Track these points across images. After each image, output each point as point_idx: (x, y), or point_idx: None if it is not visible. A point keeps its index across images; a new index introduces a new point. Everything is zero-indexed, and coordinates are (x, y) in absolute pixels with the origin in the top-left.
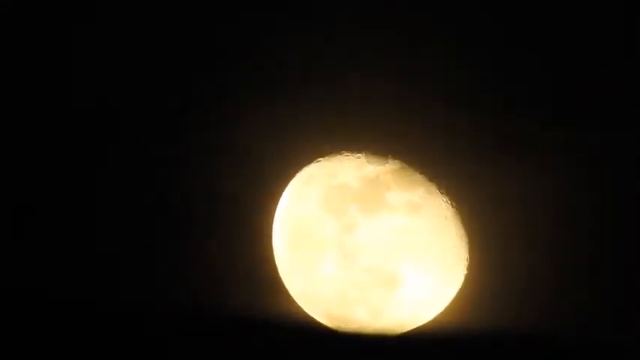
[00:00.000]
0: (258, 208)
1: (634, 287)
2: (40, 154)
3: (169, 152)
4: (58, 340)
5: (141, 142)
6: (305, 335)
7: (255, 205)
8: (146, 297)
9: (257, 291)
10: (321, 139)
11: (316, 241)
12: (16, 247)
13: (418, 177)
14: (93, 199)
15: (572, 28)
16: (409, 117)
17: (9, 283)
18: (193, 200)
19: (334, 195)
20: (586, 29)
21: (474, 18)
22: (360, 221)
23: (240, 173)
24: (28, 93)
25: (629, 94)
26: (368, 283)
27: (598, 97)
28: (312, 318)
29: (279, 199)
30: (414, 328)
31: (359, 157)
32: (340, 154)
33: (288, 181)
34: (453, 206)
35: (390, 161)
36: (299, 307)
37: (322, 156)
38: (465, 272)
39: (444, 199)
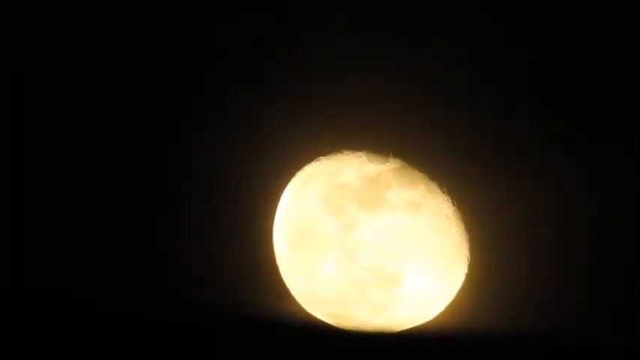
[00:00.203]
0: (259, 208)
1: (634, 287)
2: (40, 154)
3: (169, 152)
4: (57, 339)
5: (141, 142)
6: (306, 334)
7: (255, 205)
8: (147, 297)
9: (258, 290)
10: (322, 137)
11: (317, 240)
12: (16, 248)
13: (419, 176)
14: (93, 200)
15: (572, 28)
16: (410, 116)
17: (16, 283)
18: (194, 200)
19: (335, 194)
20: (586, 29)
21: (473, 18)
22: (360, 220)
23: (241, 172)
24: (28, 93)
25: (629, 93)
26: (368, 282)
27: (598, 96)
28: (313, 317)
29: (279, 198)
30: (415, 327)
31: (360, 156)
32: (341, 153)
33: (289, 180)
34: (453, 205)
35: (391, 160)
36: (300, 307)
37: (323, 155)
38: (466, 271)
39: (445, 198)
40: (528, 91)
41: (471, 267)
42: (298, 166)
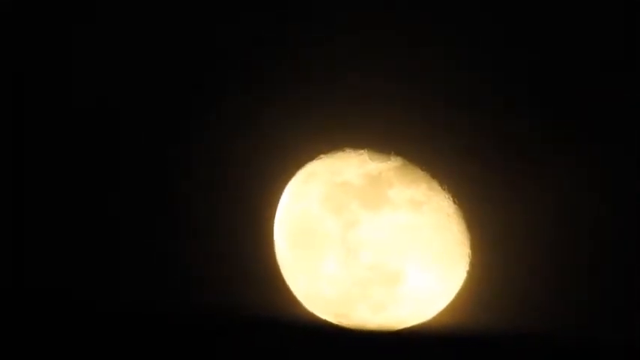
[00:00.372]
0: (259, 206)
1: (634, 287)
2: (39, 154)
3: (169, 152)
4: (57, 339)
5: (141, 142)
6: (308, 333)
7: (256, 203)
8: (147, 298)
9: (259, 289)
10: (323, 135)
11: (318, 239)
12: (16, 248)
13: (420, 174)
14: (93, 200)
15: (572, 28)
16: (412, 114)
17: (16, 283)
18: (194, 200)
19: (336, 192)
20: (586, 29)
21: (473, 18)
22: (362, 218)
23: (241, 171)
24: (28, 93)
25: (629, 93)
26: (370, 281)
27: (598, 96)
28: (314, 315)
29: (280, 196)
30: (416, 325)
31: (361, 154)
32: (342, 151)
33: (290, 179)
34: (455, 203)
35: (393, 158)
36: (301, 305)
37: (324, 153)
38: (467, 269)
39: (447, 196)
40: (528, 91)
41: (472, 265)
42: (299, 165)
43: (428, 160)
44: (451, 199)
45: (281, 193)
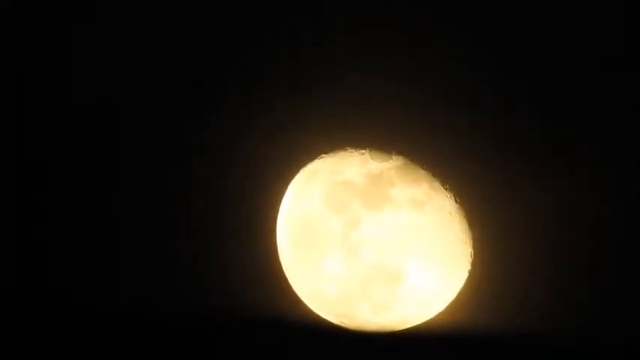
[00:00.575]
0: (261, 206)
1: (634, 287)
2: (39, 154)
3: (170, 152)
4: (57, 340)
5: (141, 142)
6: (310, 332)
7: (258, 203)
8: (149, 298)
9: (261, 289)
10: (324, 135)
11: (320, 238)
12: (16, 248)
13: (422, 173)
14: (94, 200)
15: (572, 28)
16: (413, 113)
17: (16, 284)
18: (195, 200)
19: (338, 191)
20: (586, 29)
21: (474, 18)
22: (363, 217)
23: (243, 171)
24: (28, 93)
25: (629, 93)
26: (372, 280)
27: (598, 96)
28: (316, 315)
29: (282, 195)
30: (418, 325)
31: (363, 154)
32: (344, 151)
33: (292, 178)
34: (456, 202)
35: (394, 157)
36: (303, 305)
37: (325, 152)
38: (469, 269)
39: (448, 195)
40: (528, 91)
41: (474, 264)
42: (301, 164)
43: (429, 159)
44: (453, 198)
45: (283, 193)
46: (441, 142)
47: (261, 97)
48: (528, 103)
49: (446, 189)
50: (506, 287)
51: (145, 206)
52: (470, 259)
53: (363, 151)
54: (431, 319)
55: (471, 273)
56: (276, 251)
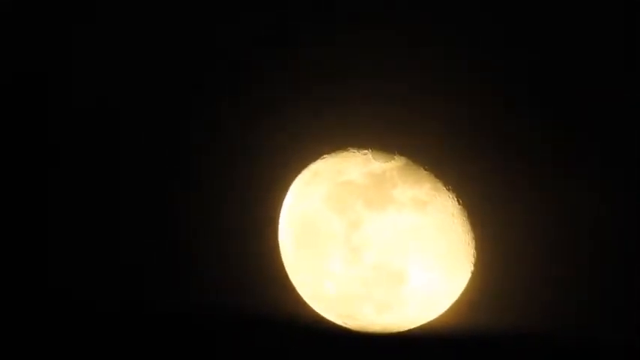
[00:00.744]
0: (264, 206)
1: (634, 287)
2: (39, 154)
3: (172, 152)
4: (57, 340)
5: (142, 142)
6: (312, 332)
7: (260, 203)
8: (153, 297)
9: (264, 289)
10: (327, 135)
11: (322, 239)
12: (16, 248)
13: (424, 173)
14: (101, 197)
15: (571, 27)
16: (415, 114)
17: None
18: (199, 200)
19: (340, 192)
20: (586, 29)
21: (473, 18)
22: (366, 218)
23: (246, 171)
24: (29, 93)
25: (629, 93)
26: (374, 280)
27: (598, 97)
28: (319, 315)
29: (284, 196)
30: (421, 325)
31: (365, 154)
32: (346, 151)
33: (294, 178)
34: (459, 203)
35: (397, 158)
36: (306, 304)
37: (328, 153)
38: (472, 269)
39: (451, 196)
40: (528, 91)
41: (477, 265)
42: (303, 165)
43: (432, 159)
44: (455, 199)
45: (285, 193)
46: (442, 142)
47: (263, 98)
48: (528, 103)
49: (448, 190)
50: (508, 287)
51: (148, 206)
52: (472, 260)
53: (366, 151)
54: (434, 320)
55: (474, 274)
56: (279, 251)
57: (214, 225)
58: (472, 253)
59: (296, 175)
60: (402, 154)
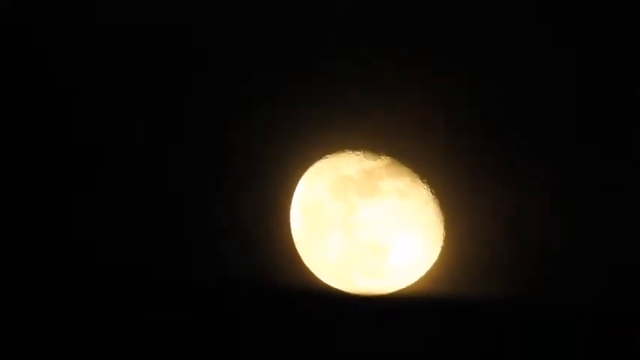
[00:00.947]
0: (278, 196)
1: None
2: (41, 153)
3: (202, 152)
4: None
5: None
6: (317, 295)
7: (275, 193)
8: (188, 272)
9: (278, 262)
10: (329, 140)
11: (325, 220)
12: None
13: (405, 169)
14: (131, 173)
15: (572, 27)
16: (399, 122)
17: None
18: (227, 190)
19: (339, 184)
20: (586, 29)
21: (474, 18)
22: (359, 204)
23: (265, 167)
24: (29, 93)
25: (629, 93)
26: (365, 253)
27: (598, 96)
28: (321, 281)
29: (295, 187)
30: (401, 289)
31: (358, 154)
32: (344, 152)
33: (303, 173)
34: (432, 193)
35: (383, 157)
36: (312, 273)
37: (330, 153)
38: (442, 245)
39: (425, 187)
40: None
41: (445, 241)
42: (310, 162)
43: (411, 158)
44: (429, 189)
45: (295, 185)
46: (420, 144)
47: (284, 109)
48: (506, 116)
49: (424, 182)
50: (470, 260)
51: (188, 198)
52: (442, 238)
53: (359, 152)
54: (411, 285)
55: (443, 248)
56: (290, 231)
57: (240, 210)
58: (442, 232)
59: (305, 170)
60: (387, 154)
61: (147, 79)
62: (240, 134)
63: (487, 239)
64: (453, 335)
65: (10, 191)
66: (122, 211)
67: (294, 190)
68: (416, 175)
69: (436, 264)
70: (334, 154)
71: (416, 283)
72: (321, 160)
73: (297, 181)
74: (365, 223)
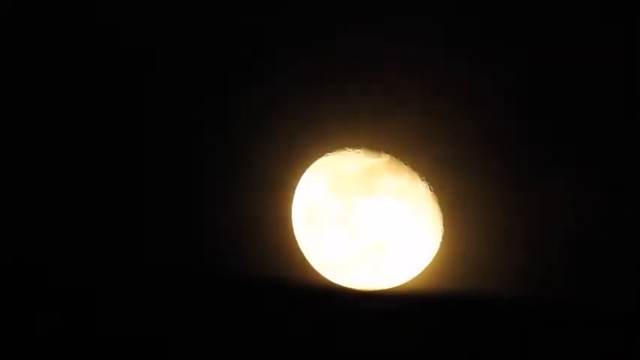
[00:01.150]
0: (281, 192)
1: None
2: (43, 152)
3: (199, 150)
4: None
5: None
6: (318, 291)
7: (278, 189)
8: (202, 264)
9: (280, 258)
10: (330, 138)
11: (326, 218)
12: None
13: (404, 167)
14: (135, 172)
15: (571, 27)
16: (398, 121)
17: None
18: (233, 188)
19: (340, 181)
20: (586, 29)
21: (474, 18)
22: (359, 201)
23: (269, 165)
24: (29, 93)
25: (629, 93)
26: (366, 249)
27: (598, 96)
28: (323, 277)
29: (297, 184)
30: (400, 285)
31: (358, 152)
32: (344, 150)
33: (304, 170)
34: (431, 190)
35: (383, 155)
36: (313, 270)
37: (331, 151)
38: (440, 241)
39: (424, 185)
40: (529, 91)
41: (444, 238)
42: (312, 160)
43: (410, 156)
44: (428, 187)
45: (298, 182)
46: (419, 143)
47: (285, 107)
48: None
49: (422, 180)
50: (467, 255)
51: (176, 190)
52: (440, 234)
53: (359, 150)
54: (410, 281)
55: (442, 244)
56: (292, 228)
57: (244, 207)
58: (440, 229)
59: (306, 168)
60: (387, 152)
61: (147, 79)
62: (240, 133)
63: (486, 236)
64: (452, 331)
65: (18, 196)
66: (122, 212)
67: (295, 187)
68: (415, 173)
69: (435, 261)
70: (335, 152)
71: (415, 279)
72: (322, 158)
73: (298, 178)
74: (365, 220)
